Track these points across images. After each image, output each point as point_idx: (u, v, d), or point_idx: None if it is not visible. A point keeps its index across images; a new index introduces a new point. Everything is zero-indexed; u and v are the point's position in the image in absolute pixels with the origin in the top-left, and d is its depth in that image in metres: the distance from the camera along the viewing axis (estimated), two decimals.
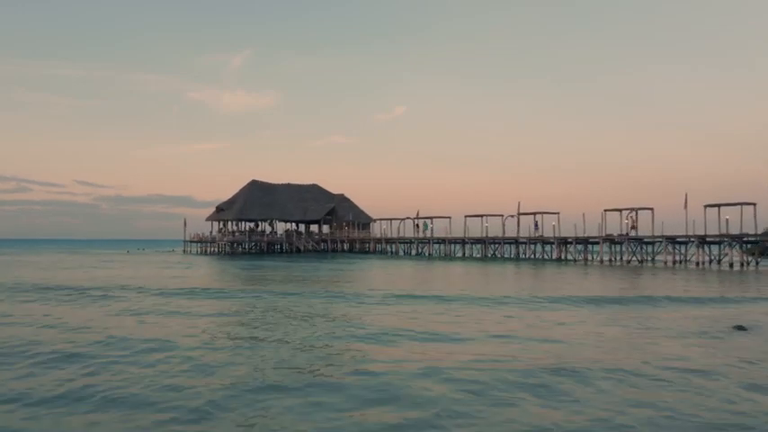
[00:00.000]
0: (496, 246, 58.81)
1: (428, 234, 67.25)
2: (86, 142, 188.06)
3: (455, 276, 33.67)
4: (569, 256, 53.29)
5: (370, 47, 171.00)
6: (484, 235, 60.10)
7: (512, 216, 57.14)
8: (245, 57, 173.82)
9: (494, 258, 57.15)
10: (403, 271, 38.10)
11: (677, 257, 46.61)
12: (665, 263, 45.47)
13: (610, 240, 49.86)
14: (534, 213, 56.45)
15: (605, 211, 50.44)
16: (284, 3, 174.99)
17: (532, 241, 55.18)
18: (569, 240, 52.76)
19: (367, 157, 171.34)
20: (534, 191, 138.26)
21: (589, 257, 51.71)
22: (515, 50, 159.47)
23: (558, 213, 55.37)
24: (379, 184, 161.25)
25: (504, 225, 57.40)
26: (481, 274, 35.79)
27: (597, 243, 51.88)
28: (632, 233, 50.12)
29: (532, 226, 55.51)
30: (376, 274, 34.09)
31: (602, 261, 49.10)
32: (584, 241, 51.64)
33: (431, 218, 66.52)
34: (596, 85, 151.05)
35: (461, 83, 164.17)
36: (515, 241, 57.28)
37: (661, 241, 46.83)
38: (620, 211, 50.61)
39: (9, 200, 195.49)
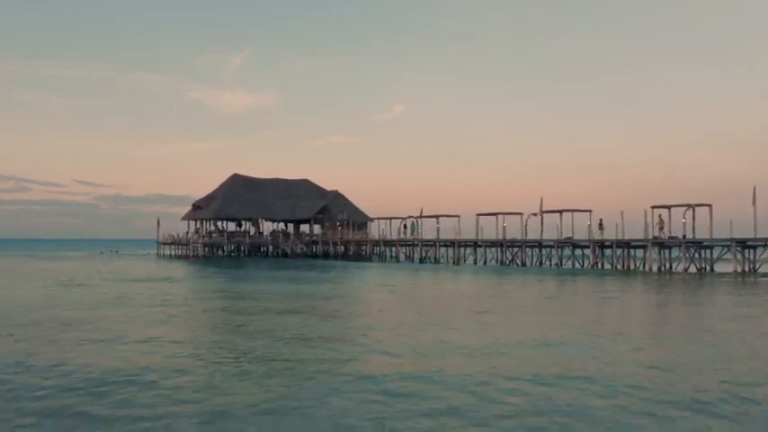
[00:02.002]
0: (516, 250, 49.40)
1: (416, 235, 58.61)
2: (86, 142, 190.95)
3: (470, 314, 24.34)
4: (606, 264, 43.97)
5: (370, 47, 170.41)
6: (500, 236, 50.87)
7: (534, 214, 47.86)
8: (245, 56, 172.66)
9: (512, 267, 47.87)
10: (403, 296, 28.97)
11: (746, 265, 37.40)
12: (736, 273, 36.11)
13: (659, 244, 40.51)
14: (561, 211, 47.11)
15: (652, 207, 41.14)
16: (284, 3, 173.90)
17: (561, 244, 45.77)
18: (607, 244, 43.45)
19: (367, 156, 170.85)
20: (534, 191, 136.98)
21: (628, 264, 42.53)
22: (515, 50, 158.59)
23: (591, 211, 46.19)
24: (380, 184, 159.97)
25: (525, 225, 48.09)
26: (502, 299, 26.50)
27: (641, 247, 42.75)
28: (662, 235, 40.99)
29: (594, 226, 44.27)
30: (376, 305, 25.04)
31: (649, 269, 39.71)
32: (626, 245, 42.32)
33: (436, 216, 57.27)
34: (596, 85, 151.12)
35: (461, 83, 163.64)
36: (539, 244, 47.94)
37: (728, 245, 37.50)
38: (668, 208, 41.36)
39: (8, 199, 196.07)
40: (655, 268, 40.15)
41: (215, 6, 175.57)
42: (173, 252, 68.87)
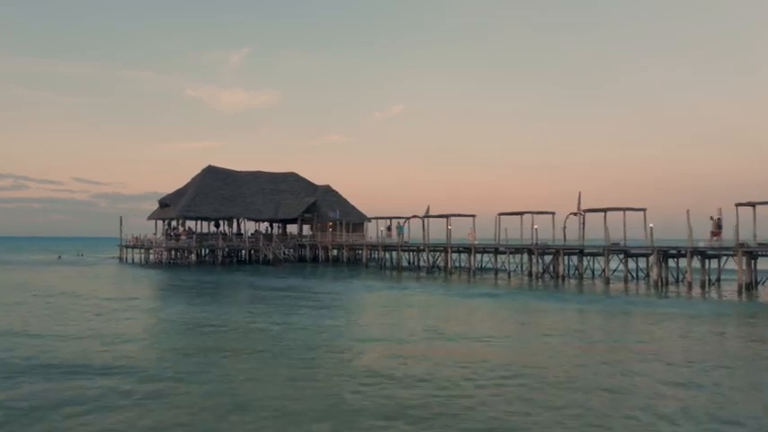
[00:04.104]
0: (550, 258, 39.39)
1: (404, 238, 49.92)
2: (85, 140, 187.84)
3: None
4: (667, 277, 34.14)
5: (370, 46, 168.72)
6: (521, 240, 41.08)
7: (574, 214, 38.06)
8: (244, 55, 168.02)
9: (545, 281, 38.00)
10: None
11: None
12: None
13: (748, 253, 30.60)
14: (606, 210, 37.30)
15: (737, 205, 31.26)
16: (283, 1, 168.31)
17: (612, 252, 35.80)
18: (672, 252, 33.57)
19: (365, 155, 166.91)
20: (536, 190, 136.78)
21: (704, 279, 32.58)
22: (515, 50, 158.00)
23: (645, 210, 36.40)
24: (379, 183, 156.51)
25: (564, 227, 38.24)
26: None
27: (715, 257, 33.02)
28: (715, 242, 31.39)
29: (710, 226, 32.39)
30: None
31: (740, 288, 29.76)
32: (700, 253, 32.37)
33: (446, 216, 47.44)
34: (597, 85, 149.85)
35: (460, 82, 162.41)
36: (580, 251, 38.09)
37: None
38: (753, 205, 31.53)
39: (6, 197, 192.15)
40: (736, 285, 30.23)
41: (214, 5, 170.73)
42: (136, 256, 59.10)
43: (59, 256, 70.27)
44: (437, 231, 49.98)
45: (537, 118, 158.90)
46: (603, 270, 36.92)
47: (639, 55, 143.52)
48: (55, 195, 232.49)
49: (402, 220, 51.12)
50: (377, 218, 58.20)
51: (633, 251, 35.43)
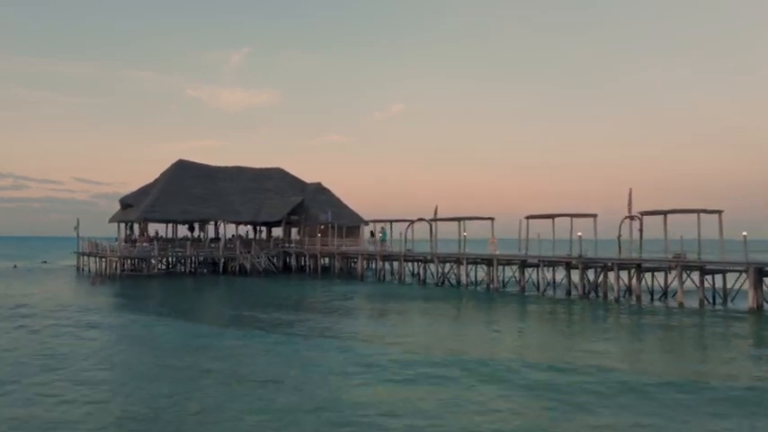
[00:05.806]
0: (599, 271, 30.74)
1: (387, 245, 44.05)
2: (85, 140, 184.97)
3: None
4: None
5: (369, 46, 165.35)
6: (553, 249, 32.63)
7: (630, 218, 29.53)
8: (244, 54, 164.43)
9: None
10: None
11: None
12: None
13: None
14: (667, 212, 28.86)
15: None
16: (283, 1, 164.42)
17: (685, 266, 27.16)
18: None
19: (365, 155, 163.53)
20: (536, 190, 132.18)
21: None
22: (515, 50, 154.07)
23: (721, 212, 27.97)
24: (380, 184, 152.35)
25: (619, 235, 29.67)
26: None
27: None
28: None
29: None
30: None
31: None
32: None
33: (458, 219, 39.04)
34: (597, 85, 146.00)
35: (460, 82, 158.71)
36: (638, 266, 29.43)
37: None
38: None
39: (6, 197, 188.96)
40: None
41: (214, 5, 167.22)
42: (93, 266, 50.46)
43: (15, 265, 61.63)
44: (441, 233, 41.60)
45: (537, 118, 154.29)
46: (665, 290, 28.62)
47: (639, 55, 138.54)
48: (55, 195, 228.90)
49: (386, 225, 43.60)
50: (374, 221, 49.82)
51: (710, 266, 26.90)
